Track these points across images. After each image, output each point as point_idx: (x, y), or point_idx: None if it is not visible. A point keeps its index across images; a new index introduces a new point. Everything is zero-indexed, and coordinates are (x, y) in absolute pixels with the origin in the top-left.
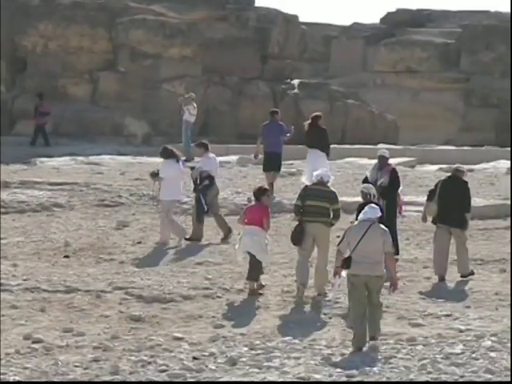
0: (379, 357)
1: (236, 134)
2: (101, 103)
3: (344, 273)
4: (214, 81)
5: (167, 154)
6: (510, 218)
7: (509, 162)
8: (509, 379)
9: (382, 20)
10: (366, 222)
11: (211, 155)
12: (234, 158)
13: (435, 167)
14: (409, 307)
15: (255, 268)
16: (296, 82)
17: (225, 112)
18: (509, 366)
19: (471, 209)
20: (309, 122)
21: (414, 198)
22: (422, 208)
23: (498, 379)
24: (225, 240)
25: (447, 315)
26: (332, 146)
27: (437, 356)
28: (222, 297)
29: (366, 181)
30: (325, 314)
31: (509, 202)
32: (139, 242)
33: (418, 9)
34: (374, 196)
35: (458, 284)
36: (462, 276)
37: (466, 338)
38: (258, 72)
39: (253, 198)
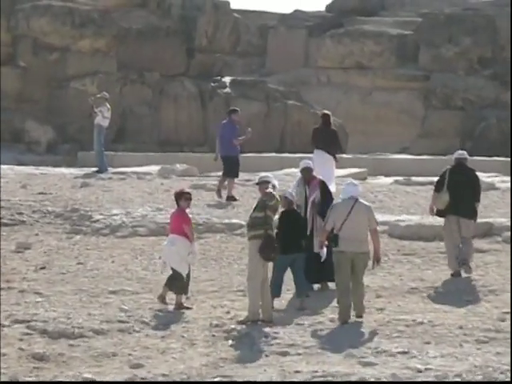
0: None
1: (157, 140)
2: None
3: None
4: (131, 78)
5: None
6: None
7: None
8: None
9: (328, 7)
10: (351, 200)
11: None
12: (154, 168)
13: (390, 179)
14: (359, 343)
15: (176, 279)
16: (227, 79)
17: (144, 115)
18: None
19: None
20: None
21: None
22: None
23: None
24: None
25: (403, 352)
26: (270, 154)
27: None
28: (140, 331)
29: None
30: (260, 352)
31: None
32: (43, 268)
33: None
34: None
35: (416, 316)
36: (463, 264)
37: (425, 380)
38: (182, 68)
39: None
